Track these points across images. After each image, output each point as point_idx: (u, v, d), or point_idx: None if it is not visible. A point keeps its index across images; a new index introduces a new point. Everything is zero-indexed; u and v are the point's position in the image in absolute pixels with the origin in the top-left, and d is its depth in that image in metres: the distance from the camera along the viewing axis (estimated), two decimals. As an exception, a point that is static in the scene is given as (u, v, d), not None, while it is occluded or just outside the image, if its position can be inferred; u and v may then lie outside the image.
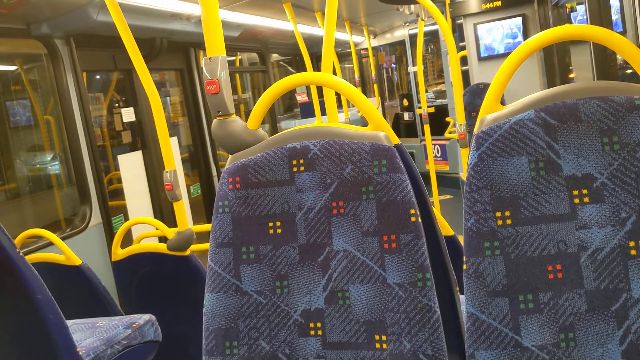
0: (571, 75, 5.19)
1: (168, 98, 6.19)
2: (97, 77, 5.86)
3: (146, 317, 2.35)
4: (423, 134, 6.29)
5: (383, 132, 1.30)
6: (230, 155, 1.41)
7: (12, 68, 5.03)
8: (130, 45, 2.80)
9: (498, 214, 1.17)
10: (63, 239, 3.10)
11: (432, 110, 6.34)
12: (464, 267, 1.18)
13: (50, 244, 2.94)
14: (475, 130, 1.23)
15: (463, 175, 4.48)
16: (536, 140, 1.17)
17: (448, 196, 7.54)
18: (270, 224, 1.32)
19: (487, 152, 1.19)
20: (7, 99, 5.23)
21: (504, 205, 1.17)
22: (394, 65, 10.88)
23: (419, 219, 1.24)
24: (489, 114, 1.22)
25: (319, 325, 1.27)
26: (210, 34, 1.52)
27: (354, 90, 1.37)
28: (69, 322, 1.96)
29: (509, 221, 1.17)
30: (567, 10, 4.75)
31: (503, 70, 1.23)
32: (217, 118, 1.51)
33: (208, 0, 1.52)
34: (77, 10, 3.60)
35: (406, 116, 9.15)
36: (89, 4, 3.56)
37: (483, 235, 1.17)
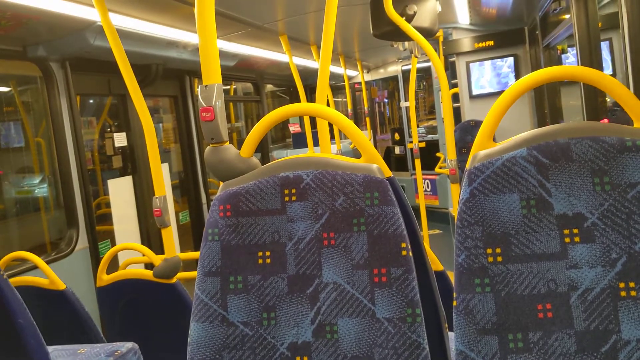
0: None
1: (161, 124, 6.20)
2: (91, 101, 5.86)
3: (129, 345, 2.31)
4: (414, 168, 6.33)
5: (376, 165, 1.31)
6: (222, 183, 1.40)
7: (5, 89, 5.03)
8: (125, 71, 2.81)
9: (489, 251, 1.17)
10: (48, 262, 3.06)
11: (423, 145, 6.40)
12: (454, 303, 1.17)
13: (35, 267, 2.90)
14: (468, 166, 1.24)
15: (453, 210, 4.49)
16: (528, 178, 1.17)
17: (437, 231, 7.54)
18: (260, 254, 1.31)
19: (479, 189, 1.19)
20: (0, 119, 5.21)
21: (495, 242, 1.17)
22: (386, 100, 10.99)
23: (410, 253, 1.23)
24: (482, 150, 1.23)
25: (305, 359, 1.25)
26: (207, 62, 1.53)
27: (348, 122, 1.38)
28: (50, 348, 1.92)
29: (499, 258, 1.16)
30: (558, 52, 4.85)
31: (496, 108, 1.24)
32: (211, 145, 1.51)
33: (206, 30, 1.53)
34: (74, 34, 3.62)
35: (397, 150, 9.21)
36: (87, 29, 3.58)
37: (474, 271, 1.17)
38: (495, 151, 1.21)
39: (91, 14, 3.41)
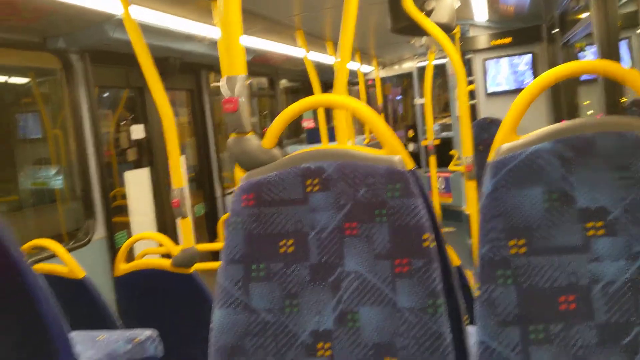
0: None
1: (176, 118, 6.24)
2: (107, 94, 5.91)
3: (148, 332, 2.33)
4: (427, 166, 6.32)
5: (398, 156, 1.31)
6: (237, 176, 1.41)
7: (24, 81, 5.09)
8: (145, 63, 2.84)
9: (511, 243, 1.18)
10: None
11: (437, 142, 6.38)
12: (477, 293, 1.18)
13: (53, 255, 2.94)
14: (490, 159, 1.24)
15: (466, 208, 4.48)
16: (551, 172, 1.18)
17: (451, 229, 7.53)
18: (282, 242, 1.32)
19: (502, 182, 1.19)
20: (17, 111, 5.28)
21: (517, 234, 1.18)
22: (399, 97, 10.97)
23: (432, 245, 1.24)
24: (505, 143, 1.23)
25: (327, 346, 1.27)
26: (232, 53, 1.54)
27: (373, 113, 1.38)
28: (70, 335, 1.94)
29: (522, 250, 1.17)
30: (576, 50, 4.82)
31: (519, 102, 1.25)
32: (234, 135, 1.52)
33: (230, 22, 1.55)
34: (94, 26, 3.65)
35: (411, 147, 9.19)
36: (106, 21, 3.61)
37: (496, 263, 1.17)
38: (519, 144, 1.21)
39: (110, 6, 3.44)
